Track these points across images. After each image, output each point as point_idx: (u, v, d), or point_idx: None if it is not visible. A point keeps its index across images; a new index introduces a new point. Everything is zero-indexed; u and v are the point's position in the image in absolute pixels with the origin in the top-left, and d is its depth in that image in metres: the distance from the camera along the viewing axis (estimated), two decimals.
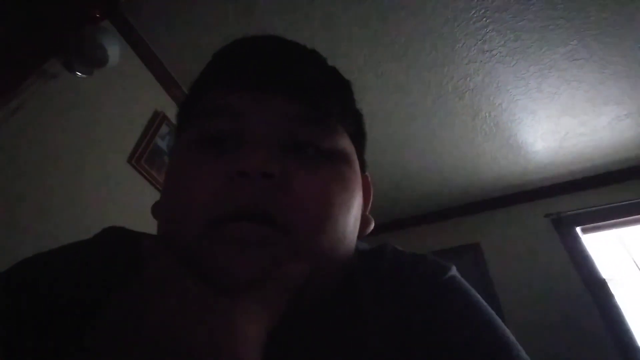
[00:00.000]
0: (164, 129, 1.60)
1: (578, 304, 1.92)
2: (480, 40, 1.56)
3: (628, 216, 2.09)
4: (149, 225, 0.36)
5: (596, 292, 1.92)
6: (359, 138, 0.39)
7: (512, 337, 0.31)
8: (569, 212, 2.20)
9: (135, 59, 1.57)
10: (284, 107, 0.31)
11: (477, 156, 2.15)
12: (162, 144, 1.58)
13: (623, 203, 2.09)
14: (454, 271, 0.36)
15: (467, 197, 2.50)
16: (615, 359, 1.72)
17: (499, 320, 0.32)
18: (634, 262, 2.00)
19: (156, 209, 0.35)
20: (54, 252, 0.36)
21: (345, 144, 0.34)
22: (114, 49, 1.31)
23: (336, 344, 0.30)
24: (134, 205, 1.38)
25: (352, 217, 0.32)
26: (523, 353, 0.30)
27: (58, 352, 0.27)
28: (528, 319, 1.92)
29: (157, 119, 1.58)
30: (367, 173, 0.43)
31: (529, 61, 1.63)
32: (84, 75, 1.29)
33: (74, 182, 1.24)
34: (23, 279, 0.33)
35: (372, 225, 0.40)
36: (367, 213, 0.41)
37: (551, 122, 1.92)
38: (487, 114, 1.89)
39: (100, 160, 1.35)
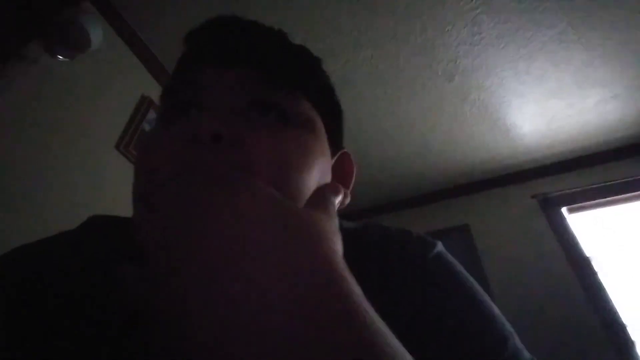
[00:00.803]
0: (152, 114, 1.57)
1: (563, 281, 1.98)
2: (470, 22, 1.55)
3: (612, 196, 2.14)
4: None
5: (581, 269, 1.98)
6: (329, 111, 0.39)
7: (498, 311, 0.32)
8: (555, 193, 2.24)
9: (120, 42, 1.52)
10: (244, 75, 0.32)
11: (466, 139, 2.17)
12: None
13: (608, 183, 2.14)
14: (440, 247, 0.36)
15: (456, 180, 2.53)
16: (600, 334, 1.78)
17: (485, 295, 0.33)
18: (617, 240, 2.07)
19: None
20: (40, 243, 0.37)
21: (307, 109, 0.35)
22: (97, 32, 1.27)
23: None
24: (123, 191, 1.35)
25: (309, 180, 0.31)
26: (508, 325, 0.31)
27: (46, 342, 0.28)
28: (516, 297, 1.98)
29: (144, 103, 1.55)
30: (346, 150, 0.43)
31: (518, 43, 1.63)
32: (66, 59, 1.25)
33: (60, 169, 1.22)
34: (8, 270, 0.33)
35: (348, 201, 0.40)
36: (347, 190, 0.41)
37: (539, 104, 1.93)
38: (476, 97, 1.90)
39: (87, 147, 1.33)
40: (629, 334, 1.74)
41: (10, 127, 1.11)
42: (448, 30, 1.58)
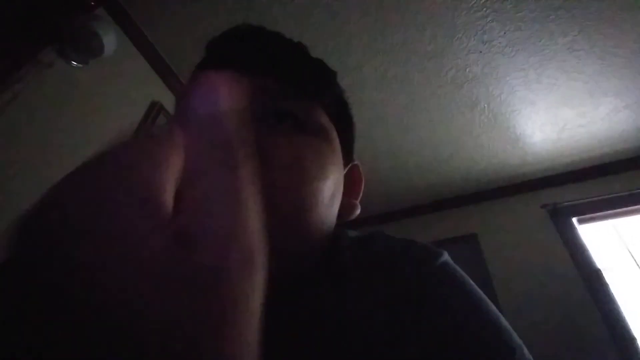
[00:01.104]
0: (162, 119, 1.58)
1: (574, 293, 1.94)
2: (480, 30, 1.54)
3: (624, 207, 2.11)
4: None
5: (591, 281, 1.94)
6: (342, 124, 0.40)
7: (505, 322, 0.32)
8: (565, 203, 2.21)
9: (132, 48, 1.54)
10: (263, 82, 0.32)
11: (475, 147, 2.15)
12: None
13: (619, 194, 2.10)
14: (446, 257, 0.36)
15: (465, 188, 2.51)
16: (609, 347, 1.75)
17: (492, 306, 0.33)
18: (629, 252, 2.03)
19: None
20: None
21: (323, 120, 0.36)
22: (110, 38, 1.29)
23: (320, 330, 0.30)
24: None
25: (324, 188, 0.32)
26: (516, 337, 0.31)
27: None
28: (524, 309, 1.95)
29: (155, 109, 1.57)
30: (357, 162, 0.44)
31: (529, 52, 1.62)
32: (79, 65, 1.27)
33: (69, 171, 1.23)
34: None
35: (358, 211, 0.41)
36: (356, 201, 0.42)
37: (550, 113, 1.92)
38: (485, 105, 1.88)
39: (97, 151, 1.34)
40: (638, 347, 1.71)
41: (24, 131, 1.13)
42: (458, 38, 1.57)
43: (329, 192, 0.33)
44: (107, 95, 1.41)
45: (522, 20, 1.50)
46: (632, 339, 1.74)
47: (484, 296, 0.33)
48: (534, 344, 0.32)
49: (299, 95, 0.34)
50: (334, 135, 0.37)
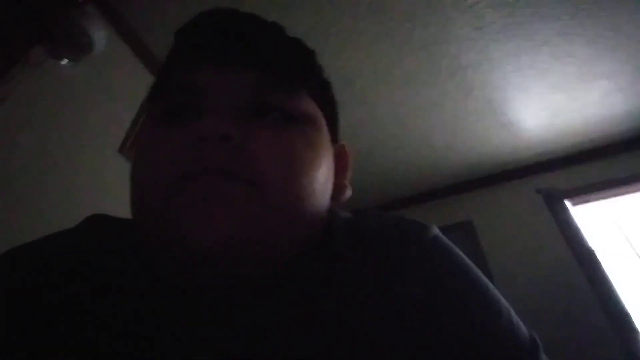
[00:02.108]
0: None
1: (568, 274, 1.98)
2: (472, 17, 1.54)
3: (617, 189, 2.14)
4: None
5: (585, 262, 1.98)
6: (327, 105, 0.40)
7: (494, 288, 0.33)
8: (559, 187, 2.24)
9: (122, 45, 1.53)
10: (243, 75, 0.32)
11: (469, 134, 2.16)
12: None
13: (611, 177, 2.13)
14: (436, 230, 0.36)
15: (460, 176, 2.53)
16: (605, 324, 1.79)
17: (481, 274, 0.34)
18: (622, 233, 2.07)
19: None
20: (38, 242, 0.37)
21: (310, 107, 0.35)
22: (100, 35, 1.27)
23: (316, 308, 0.30)
24: (127, 194, 1.36)
25: (319, 177, 0.32)
26: (504, 302, 0.32)
27: (44, 343, 0.28)
28: (521, 292, 1.98)
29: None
30: (343, 142, 0.44)
31: (521, 38, 1.62)
32: (70, 63, 1.25)
33: (64, 172, 1.23)
34: (7, 269, 0.33)
35: (349, 193, 0.41)
36: (346, 181, 0.42)
37: (543, 98, 1.93)
38: (479, 92, 1.89)
39: (91, 150, 1.33)
40: (633, 323, 1.75)
41: (16, 130, 1.12)
42: (450, 25, 1.57)
43: (323, 179, 0.33)
44: (99, 93, 1.40)
45: (513, 6, 1.50)
46: (627, 315, 1.78)
47: (473, 266, 0.34)
48: (531, 324, 0.33)
49: (283, 85, 0.33)
50: (321, 119, 0.37)
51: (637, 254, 1.97)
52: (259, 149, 0.29)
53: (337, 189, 0.39)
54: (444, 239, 0.36)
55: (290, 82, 0.34)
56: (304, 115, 0.34)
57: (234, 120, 0.29)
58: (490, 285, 0.33)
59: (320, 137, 0.35)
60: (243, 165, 0.28)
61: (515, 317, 0.31)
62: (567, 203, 2.21)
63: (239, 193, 0.27)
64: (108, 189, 1.35)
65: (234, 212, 0.26)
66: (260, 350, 0.27)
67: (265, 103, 0.32)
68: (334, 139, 0.41)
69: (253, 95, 0.32)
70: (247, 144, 0.28)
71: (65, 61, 1.24)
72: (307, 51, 0.39)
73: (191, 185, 0.27)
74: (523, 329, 0.31)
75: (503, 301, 0.32)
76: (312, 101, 0.36)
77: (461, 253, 0.35)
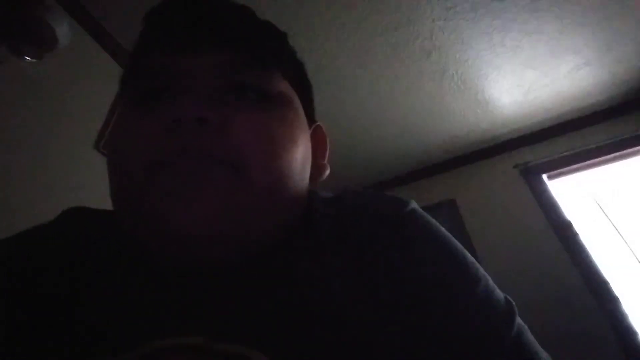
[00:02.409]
0: None
1: (547, 245, 2.05)
2: None
3: (589, 160, 2.21)
4: None
5: (563, 233, 2.05)
6: (301, 86, 0.40)
7: (471, 257, 0.33)
8: (535, 162, 2.30)
9: (88, 38, 1.47)
10: (216, 56, 0.32)
11: (447, 114, 2.19)
12: None
13: (584, 148, 2.20)
14: (414, 205, 0.36)
15: (440, 155, 2.57)
16: (585, 292, 1.86)
17: (458, 244, 0.34)
18: (596, 202, 2.15)
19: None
20: (15, 236, 0.36)
21: (284, 87, 0.35)
22: (63, 29, 1.23)
23: (295, 289, 0.30)
24: (105, 190, 1.33)
25: (298, 156, 0.32)
26: (482, 270, 0.33)
27: (20, 335, 0.27)
28: (504, 266, 2.04)
29: None
30: (319, 123, 0.44)
31: (492, 15, 1.64)
32: (34, 60, 1.20)
33: (37, 172, 1.19)
34: None
35: (327, 172, 0.42)
36: (324, 161, 0.43)
37: (515, 75, 1.96)
38: (454, 72, 1.91)
39: (65, 148, 1.29)
40: (612, 290, 1.83)
41: None
42: (422, 6, 1.58)
43: (301, 159, 0.33)
44: (68, 89, 1.35)
45: None
46: (605, 282, 1.85)
47: (450, 236, 0.35)
48: (514, 293, 0.34)
49: (257, 66, 0.33)
50: (296, 100, 0.37)
51: (612, 224, 2.06)
52: (237, 131, 0.28)
53: (316, 168, 0.40)
54: (421, 212, 0.36)
55: (263, 62, 0.33)
56: (279, 95, 0.34)
57: (209, 102, 0.28)
58: (468, 255, 0.33)
59: (297, 117, 0.35)
60: (223, 148, 0.27)
61: (491, 283, 0.32)
62: (544, 177, 2.27)
63: (220, 175, 0.27)
64: (86, 185, 1.32)
65: (215, 194, 0.26)
66: (241, 327, 0.28)
67: (240, 82, 0.32)
68: (310, 119, 0.41)
69: (227, 75, 0.31)
70: (225, 126, 0.28)
71: (28, 58, 1.19)
72: (279, 33, 0.39)
73: (170, 170, 0.27)
74: (499, 293, 0.32)
75: (480, 269, 0.33)
76: (286, 82, 0.36)
77: (438, 225, 0.35)
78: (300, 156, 0.33)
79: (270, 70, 0.34)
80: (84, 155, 1.36)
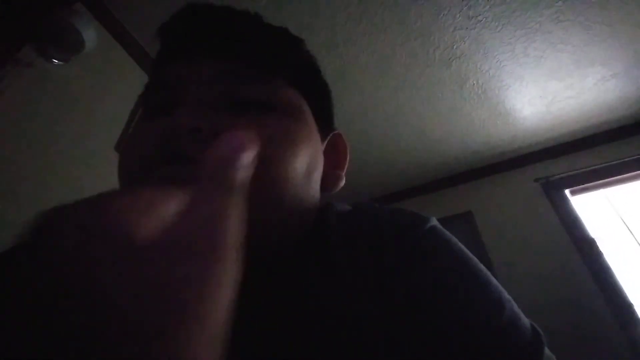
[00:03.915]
0: None
1: (569, 264, 1.98)
2: (465, 6, 1.53)
3: (614, 176, 2.13)
4: None
5: (586, 251, 1.97)
6: (315, 92, 0.39)
7: (495, 280, 0.32)
8: (557, 176, 2.23)
9: (114, 43, 1.51)
10: (214, 66, 0.32)
11: (466, 125, 2.16)
12: None
13: (609, 164, 2.13)
14: (434, 221, 0.35)
15: (458, 167, 2.52)
16: (607, 314, 1.79)
17: (480, 265, 0.33)
18: (622, 220, 2.06)
19: None
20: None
21: (289, 96, 0.34)
22: (90, 33, 1.26)
23: (310, 303, 0.30)
24: None
25: (297, 167, 0.31)
26: (506, 293, 0.31)
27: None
28: (522, 282, 1.98)
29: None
30: (339, 132, 0.43)
31: (515, 25, 1.61)
32: (61, 63, 1.24)
33: (60, 173, 1.22)
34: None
35: (342, 183, 0.40)
36: (341, 171, 0.41)
37: (538, 86, 1.92)
38: (474, 82, 1.88)
39: (87, 149, 1.32)
40: (635, 313, 1.74)
41: (8, 132, 1.11)
42: (443, 15, 1.56)
43: (303, 169, 0.32)
44: (92, 92, 1.38)
45: None
46: (629, 306, 1.77)
47: (472, 257, 0.33)
48: (532, 314, 0.32)
49: (258, 77, 0.33)
50: (305, 108, 0.36)
51: (638, 243, 1.97)
52: None
53: (330, 178, 0.38)
54: (442, 230, 0.35)
55: (263, 71, 0.33)
56: (280, 104, 0.33)
57: (205, 113, 0.29)
58: (492, 277, 0.32)
59: (300, 125, 0.34)
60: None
61: (517, 310, 0.30)
62: (567, 192, 2.20)
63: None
64: (105, 187, 1.34)
65: None
66: (246, 343, 0.27)
67: (240, 96, 0.31)
68: (327, 127, 0.40)
69: (228, 87, 0.31)
70: (216, 135, 0.27)
71: (55, 61, 1.23)
72: (291, 39, 0.38)
73: (159, 173, 0.27)
74: (525, 321, 0.30)
75: (505, 293, 0.31)
76: (293, 89, 0.35)
77: (460, 244, 0.34)
78: (300, 167, 0.31)
79: (272, 79, 0.33)
80: (105, 156, 1.39)
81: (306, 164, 0.32)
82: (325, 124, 0.39)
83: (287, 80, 0.35)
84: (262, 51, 0.34)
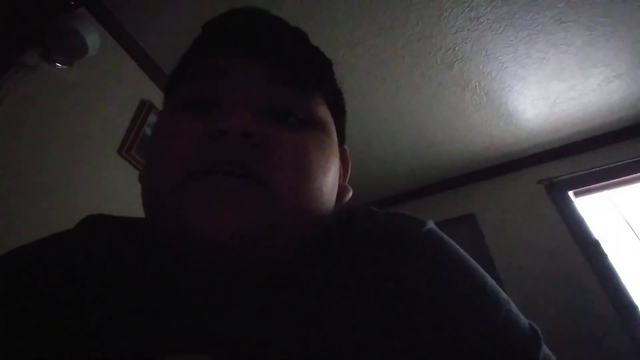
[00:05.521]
0: (152, 117, 1.57)
1: (573, 266, 1.96)
2: (467, 7, 1.53)
3: (618, 177, 2.12)
4: (141, 214, 0.36)
5: (590, 253, 1.96)
6: (338, 112, 0.41)
7: (492, 280, 0.32)
8: (561, 177, 2.22)
9: (116, 47, 1.52)
10: (264, 70, 0.32)
11: (469, 127, 2.15)
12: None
13: (613, 165, 2.11)
14: (431, 224, 0.36)
15: (460, 169, 2.51)
16: (612, 317, 1.77)
17: (477, 265, 0.33)
18: (626, 222, 2.05)
19: (141, 175, 0.35)
20: (37, 243, 0.37)
21: (324, 113, 0.36)
22: (93, 38, 1.27)
23: (309, 306, 0.30)
24: (127, 195, 1.36)
25: (329, 180, 0.33)
26: (503, 294, 0.31)
27: (43, 342, 0.28)
28: (525, 284, 1.97)
29: (145, 107, 1.56)
30: (345, 147, 0.45)
31: (517, 27, 1.61)
32: (64, 66, 1.25)
33: (63, 176, 1.23)
34: (6, 271, 0.33)
35: (350, 194, 0.42)
36: (346, 183, 0.43)
37: (541, 87, 1.91)
38: (477, 84, 1.88)
39: (89, 153, 1.33)
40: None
41: (11, 135, 1.12)
42: (445, 17, 1.56)
43: (331, 183, 0.34)
44: (95, 96, 1.39)
45: None
46: (634, 307, 1.76)
47: (469, 258, 0.33)
48: (535, 316, 0.32)
49: (303, 90, 0.34)
50: (333, 126, 0.38)
51: None
52: (275, 149, 0.29)
53: (341, 191, 0.41)
54: (439, 232, 0.35)
55: (311, 86, 0.35)
56: (318, 120, 0.35)
57: (255, 118, 0.29)
58: (488, 278, 0.32)
59: (332, 143, 0.36)
60: (259, 162, 0.28)
61: (514, 309, 0.30)
62: (571, 194, 2.19)
63: (250, 191, 0.27)
64: (108, 190, 1.35)
65: (242, 208, 0.27)
66: (254, 341, 0.28)
67: (282, 105, 0.32)
68: (341, 143, 0.43)
69: (272, 93, 0.32)
70: (267, 143, 0.29)
71: (59, 65, 1.24)
72: (325, 59, 0.40)
73: (203, 180, 0.27)
74: (523, 320, 0.30)
75: (502, 293, 0.31)
76: (326, 107, 0.37)
77: (457, 246, 0.34)
78: (329, 181, 0.33)
79: (313, 94, 0.35)
80: (107, 160, 1.40)
81: (333, 177, 0.35)
82: (340, 139, 0.41)
83: (324, 97, 0.37)
84: (309, 65, 0.35)
